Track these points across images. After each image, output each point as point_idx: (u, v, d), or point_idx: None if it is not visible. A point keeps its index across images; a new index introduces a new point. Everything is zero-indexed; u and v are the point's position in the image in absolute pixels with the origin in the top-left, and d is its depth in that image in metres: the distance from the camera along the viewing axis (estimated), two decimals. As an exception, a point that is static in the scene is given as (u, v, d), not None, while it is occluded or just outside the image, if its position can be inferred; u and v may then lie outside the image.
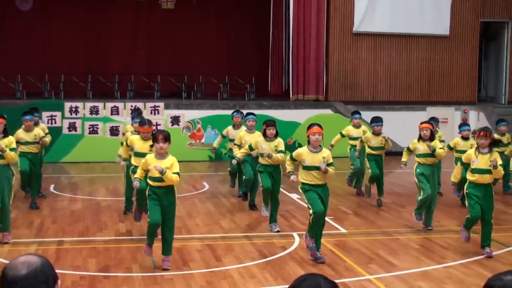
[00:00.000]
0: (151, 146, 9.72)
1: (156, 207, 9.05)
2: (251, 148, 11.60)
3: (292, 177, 9.74)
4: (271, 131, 11.34)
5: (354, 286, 8.60)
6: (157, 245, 9.37)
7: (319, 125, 9.57)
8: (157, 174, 8.94)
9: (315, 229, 9.50)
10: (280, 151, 11.32)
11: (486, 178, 9.80)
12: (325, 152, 9.53)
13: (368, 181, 13.87)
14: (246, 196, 13.70)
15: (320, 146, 9.53)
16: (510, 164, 14.50)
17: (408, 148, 11.92)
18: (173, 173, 8.94)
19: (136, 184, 9.30)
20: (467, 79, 23.74)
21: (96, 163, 19.36)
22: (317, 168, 9.37)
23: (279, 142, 11.42)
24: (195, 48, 25.06)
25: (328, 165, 9.44)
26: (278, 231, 11.26)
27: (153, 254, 9.50)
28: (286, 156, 10.41)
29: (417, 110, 22.70)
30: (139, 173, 9.28)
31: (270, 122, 11.52)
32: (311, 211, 9.42)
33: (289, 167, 9.89)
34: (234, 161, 13.00)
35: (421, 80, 23.35)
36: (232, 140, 13.96)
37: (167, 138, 9.02)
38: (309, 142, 9.56)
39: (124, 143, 11.41)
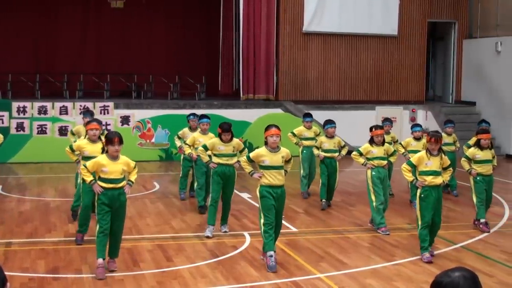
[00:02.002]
0: (103, 149, 9.47)
1: (107, 214, 8.96)
2: (206, 148, 11.31)
3: (256, 175, 9.49)
4: (226, 137, 11.17)
5: (305, 285, 8.65)
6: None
7: (277, 127, 9.56)
8: (112, 176, 8.87)
9: (269, 234, 9.46)
10: (241, 151, 11.24)
11: (439, 180, 9.93)
12: (284, 151, 9.54)
13: (320, 195, 13.68)
14: (203, 209, 12.86)
15: (278, 146, 9.53)
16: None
17: (359, 152, 11.77)
18: (132, 171, 9.13)
19: (98, 189, 8.99)
20: (415, 78, 24.06)
21: (44, 163, 19.12)
22: (277, 167, 9.39)
23: (237, 143, 11.34)
24: (145, 47, 24.90)
25: (286, 162, 9.52)
26: (225, 232, 11.26)
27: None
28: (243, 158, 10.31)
29: (366, 109, 22.94)
30: (90, 176, 8.99)
31: (226, 127, 11.14)
32: (262, 221, 9.41)
33: (248, 167, 9.71)
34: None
35: (370, 80, 23.59)
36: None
37: (122, 140, 8.95)
38: (266, 143, 9.55)
39: (68, 148, 11.00)
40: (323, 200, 13.59)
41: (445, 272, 3.25)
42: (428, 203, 9.89)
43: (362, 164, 11.75)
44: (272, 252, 9.32)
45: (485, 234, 11.50)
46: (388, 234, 11.35)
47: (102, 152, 9.21)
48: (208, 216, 11.24)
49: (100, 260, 8.89)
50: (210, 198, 11.27)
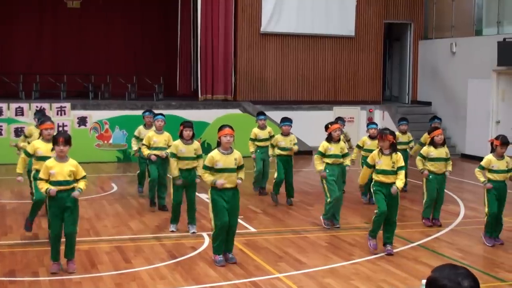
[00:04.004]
0: (52, 149, 9.43)
1: (58, 218, 8.91)
2: (174, 156, 11.15)
3: (219, 183, 9.33)
4: (188, 133, 11.19)
5: (264, 285, 8.68)
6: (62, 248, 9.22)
7: (230, 127, 9.57)
8: (60, 178, 8.80)
9: (219, 239, 9.50)
10: (199, 156, 11.25)
11: (390, 178, 10.03)
12: (237, 154, 9.55)
13: (273, 189, 13.91)
14: (153, 203, 13.26)
15: (231, 148, 9.53)
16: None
17: (321, 153, 11.79)
18: (81, 178, 9.01)
19: (53, 192, 8.90)
20: (372, 79, 24.28)
21: (0, 165, 18.84)
22: (230, 170, 9.38)
23: (198, 146, 11.35)
24: (102, 47, 24.70)
25: (239, 168, 9.52)
26: (193, 233, 11.26)
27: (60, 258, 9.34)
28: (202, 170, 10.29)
29: (324, 110, 23.07)
30: (45, 185, 8.87)
31: (188, 124, 11.34)
32: (213, 223, 9.47)
33: (210, 179, 9.44)
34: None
35: (327, 80, 23.73)
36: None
37: (67, 141, 8.86)
38: (219, 144, 9.55)
39: (23, 153, 10.80)
40: (273, 193, 13.85)
41: (455, 276, 3.05)
42: (379, 194, 10.09)
43: (318, 172, 11.83)
44: (220, 256, 9.48)
45: (441, 232, 11.67)
46: (329, 228, 11.65)
47: (52, 152, 9.25)
48: (173, 215, 11.46)
49: (54, 262, 9.02)
50: (173, 203, 11.37)
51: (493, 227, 10.90)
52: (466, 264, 9.78)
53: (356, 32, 23.81)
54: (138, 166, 14.46)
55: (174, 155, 11.16)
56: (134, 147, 14.12)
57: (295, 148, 13.75)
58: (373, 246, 10.23)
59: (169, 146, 12.26)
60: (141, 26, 25.23)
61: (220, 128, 9.56)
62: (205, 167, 9.57)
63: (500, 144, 10.68)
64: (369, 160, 10.29)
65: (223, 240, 9.52)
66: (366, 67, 24.13)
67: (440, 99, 23.57)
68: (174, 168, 11.12)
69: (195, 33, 23.29)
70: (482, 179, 10.83)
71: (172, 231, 11.30)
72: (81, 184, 9.05)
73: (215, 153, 9.51)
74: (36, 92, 22.03)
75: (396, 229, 10.37)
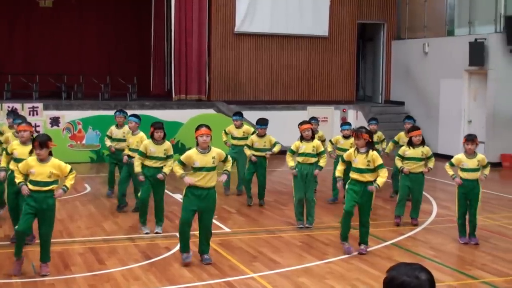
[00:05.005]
0: (31, 152, 9.37)
1: (29, 215, 8.85)
2: (142, 154, 11.26)
3: (186, 179, 9.41)
4: (159, 134, 11.23)
5: (239, 285, 8.69)
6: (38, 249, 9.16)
7: (207, 126, 9.55)
8: (39, 178, 8.75)
9: (182, 236, 9.52)
10: (169, 157, 11.24)
11: (365, 177, 10.07)
12: (215, 152, 9.54)
13: (246, 190, 14.04)
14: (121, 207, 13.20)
15: (209, 146, 9.52)
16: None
17: (292, 151, 11.94)
18: (68, 174, 8.97)
19: (25, 191, 8.86)
20: (346, 79, 24.38)
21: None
22: (207, 169, 9.37)
23: (169, 147, 11.34)
24: (75, 47, 24.53)
25: (223, 161, 9.65)
26: (157, 233, 11.24)
27: (33, 260, 9.28)
28: (175, 161, 10.33)
29: (298, 110, 23.12)
30: (20, 177, 8.93)
31: (158, 125, 11.35)
32: (179, 220, 9.56)
33: (179, 171, 9.58)
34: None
35: (301, 80, 23.80)
36: (116, 139, 13.86)
37: (42, 144, 8.77)
38: (198, 144, 9.55)
39: (4, 152, 10.71)
40: (241, 191, 14.08)
41: (412, 271, 3.16)
42: (350, 194, 10.14)
43: (290, 168, 11.91)
44: (186, 254, 9.51)
45: (415, 231, 11.75)
46: (301, 228, 11.70)
47: (30, 154, 9.15)
48: (141, 215, 11.43)
49: (16, 259, 8.97)
50: (140, 199, 11.44)
51: (464, 227, 10.98)
52: (439, 262, 9.88)
53: (329, 32, 23.89)
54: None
55: (141, 153, 11.27)
56: (107, 142, 14.19)
57: (275, 149, 13.77)
58: (347, 249, 10.21)
59: None
60: (114, 25, 25.10)
61: (197, 128, 9.56)
62: (179, 161, 9.60)
63: (465, 140, 10.87)
64: (345, 156, 10.36)
65: (187, 238, 9.51)
66: (339, 67, 24.22)
67: (412, 98, 23.73)
68: (137, 165, 11.25)
69: (169, 33, 23.23)
70: (450, 172, 10.98)
71: (147, 233, 11.25)
72: (68, 182, 8.99)
73: (193, 152, 9.51)
74: (8, 92, 21.82)
75: (370, 228, 10.40)
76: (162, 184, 11.34)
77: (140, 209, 11.42)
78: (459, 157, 10.93)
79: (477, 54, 20.12)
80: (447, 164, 11.07)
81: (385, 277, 3.22)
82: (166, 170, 11.16)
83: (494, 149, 19.82)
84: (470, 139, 10.80)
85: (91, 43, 24.72)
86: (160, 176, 11.11)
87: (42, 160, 8.82)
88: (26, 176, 8.90)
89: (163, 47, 23.84)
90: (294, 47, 23.62)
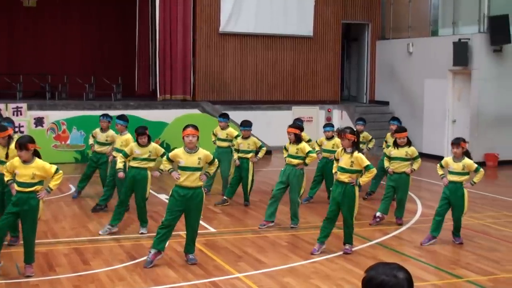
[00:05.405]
0: (7, 154, 9.38)
1: (9, 215, 8.83)
2: (126, 155, 11.29)
3: (174, 174, 9.45)
4: (142, 140, 11.20)
5: (224, 285, 8.68)
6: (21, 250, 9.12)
7: (194, 127, 9.53)
8: (22, 179, 8.72)
9: (160, 233, 9.47)
10: (161, 156, 11.19)
11: (345, 176, 10.07)
12: (202, 153, 9.52)
13: (226, 193, 14.07)
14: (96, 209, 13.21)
15: (196, 147, 9.51)
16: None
17: (285, 148, 12.16)
18: (54, 175, 8.92)
19: (13, 190, 8.88)
20: (330, 79, 24.43)
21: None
22: (192, 169, 9.37)
23: (153, 148, 11.28)
24: (59, 46, 24.46)
25: (209, 164, 9.65)
26: (142, 233, 11.26)
27: (17, 260, 9.24)
28: (162, 158, 10.39)
29: (283, 110, 23.17)
30: (9, 176, 8.99)
31: (140, 130, 11.26)
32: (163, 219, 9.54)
33: (167, 166, 9.70)
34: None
35: (286, 80, 23.83)
36: (99, 143, 13.82)
37: (21, 146, 8.72)
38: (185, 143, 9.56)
39: None
40: (226, 197, 13.94)
41: (390, 271, 3.20)
42: (332, 199, 10.25)
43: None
44: (154, 250, 9.42)
45: (399, 230, 11.80)
46: (261, 227, 11.74)
47: (6, 158, 9.19)
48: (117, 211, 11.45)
49: None
50: (118, 200, 11.50)
51: (437, 225, 10.95)
52: (424, 261, 9.92)
53: (314, 32, 23.94)
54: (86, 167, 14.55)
55: (125, 154, 11.31)
56: (90, 141, 14.23)
57: (260, 155, 13.73)
58: (313, 249, 10.30)
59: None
60: (99, 25, 25.05)
61: (184, 128, 9.55)
62: (167, 157, 9.70)
63: (451, 144, 10.92)
64: (336, 155, 10.42)
65: (164, 237, 9.48)
66: (324, 67, 24.27)
67: (397, 98, 23.82)
68: (120, 162, 11.33)
69: (153, 33, 23.20)
70: (440, 172, 11.06)
71: (105, 232, 11.26)
72: (52, 183, 8.94)
73: (179, 150, 9.53)
74: (-9, 93, 21.73)
75: (355, 227, 10.42)
76: (143, 186, 11.26)
77: (116, 209, 11.42)
78: (447, 159, 10.99)
79: (461, 54, 20.22)
80: (438, 164, 11.13)
81: (364, 277, 3.26)
82: (162, 167, 11.04)
83: (478, 148, 19.92)
84: (456, 142, 10.82)
85: (76, 43, 24.65)
86: (157, 174, 11.02)
87: (25, 161, 8.79)
88: (14, 174, 8.91)
89: (147, 47, 23.81)
90: (279, 47, 23.65)
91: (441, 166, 11.02)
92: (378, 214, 12.26)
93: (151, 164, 11.25)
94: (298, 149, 11.67)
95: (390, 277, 3.18)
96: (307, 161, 11.63)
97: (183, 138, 9.48)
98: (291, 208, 11.90)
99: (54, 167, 8.97)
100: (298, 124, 12.48)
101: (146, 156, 11.19)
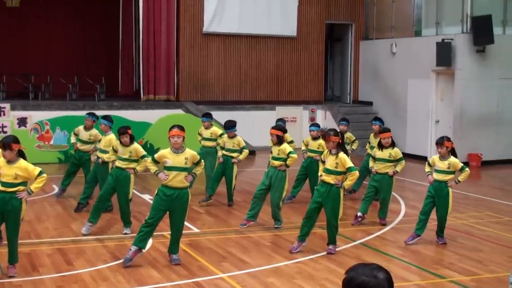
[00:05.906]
0: None
1: None
2: (113, 151, 11.36)
3: (161, 175, 9.43)
4: (124, 139, 11.19)
5: (208, 285, 8.69)
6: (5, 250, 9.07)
7: (180, 127, 9.52)
8: (5, 179, 8.69)
9: (143, 231, 9.47)
10: (142, 157, 11.16)
11: (330, 178, 10.08)
12: (189, 153, 9.52)
13: (208, 190, 14.09)
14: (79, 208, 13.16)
15: (182, 147, 9.50)
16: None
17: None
18: (37, 177, 8.86)
19: None
20: (314, 79, 24.48)
21: None
22: (179, 169, 9.36)
23: (134, 149, 11.24)
24: (43, 46, 24.36)
25: (196, 164, 9.62)
26: (125, 233, 11.23)
27: (1, 261, 9.19)
28: (148, 159, 10.36)
29: (267, 110, 23.21)
30: None
31: (122, 130, 11.26)
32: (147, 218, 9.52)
33: (153, 168, 9.71)
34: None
35: (270, 80, 23.85)
36: (82, 141, 13.78)
37: (5, 146, 8.69)
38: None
39: None
40: (209, 194, 13.94)
41: (370, 271, 3.23)
42: (314, 195, 10.30)
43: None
44: (135, 247, 9.42)
45: (383, 230, 11.85)
46: (241, 227, 11.74)
47: None
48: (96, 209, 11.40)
49: None
50: (99, 195, 11.52)
51: (422, 224, 11.00)
52: (407, 261, 9.96)
53: (298, 32, 23.98)
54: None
55: (154, 158, 11.21)
56: (73, 140, 14.16)
57: (241, 157, 13.70)
58: (291, 247, 10.36)
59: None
60: (82, 25, 24.97)
61: (170, 129, 9.55)
62: (153, 159, 9.71)
63: (436, 144, 11.02)
64: (322, 157, 10.49)
65: (146, 236, 9.49)
66: (308, 67, 24.31)
67: (380, 99, 23.90)
68: (107, 156, 11.53)
69: (137, 33, 23.14)
70: (427, 169, 11.13)
71: (85, 231, 11.23)
72: (33, 186, 8.90)
73: (166, 151, 9.55)
74: (-26, 93, 21.60)
75: (339, 228, 10.44)
76: (124, 186, 11.23)
77: (94, 206, 11.39)
78: (434, 157, 11.07)
79: (444, 54, 20.32)
80: (426, 162, 11.23)
81: (344, 278, 3.28)
82: (139, 168, 11.12)
83: (462, 149, 19.97)
84: (440, 142, 10.89)
85: (59, 43, 24.56)
86: (132, 171, 11.04)
87: (9, 161, 8.76)
88: None
89: (131, 47, 23.75)
90: (262, 47, 23.67)
91: (429, 164, 11.09)
92: (359, 214, 12.33)
93: (133, 165, 11.17)
94: (280, 150, 11.62)
95: (370, 278, 3.21)
96: (288, 162, 11.54)
97: (169, 138, 9.48)
98: (272, 211, 11.89)
99: (38, 169, 8.93)
100: (280, 126, 12.48)
101: (127, 156, 11.16)
